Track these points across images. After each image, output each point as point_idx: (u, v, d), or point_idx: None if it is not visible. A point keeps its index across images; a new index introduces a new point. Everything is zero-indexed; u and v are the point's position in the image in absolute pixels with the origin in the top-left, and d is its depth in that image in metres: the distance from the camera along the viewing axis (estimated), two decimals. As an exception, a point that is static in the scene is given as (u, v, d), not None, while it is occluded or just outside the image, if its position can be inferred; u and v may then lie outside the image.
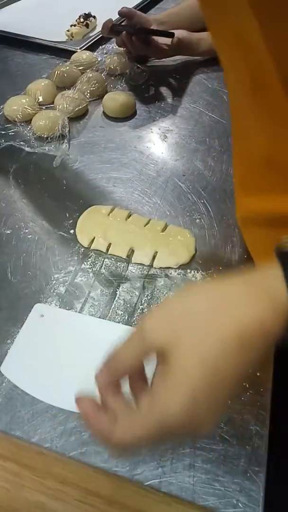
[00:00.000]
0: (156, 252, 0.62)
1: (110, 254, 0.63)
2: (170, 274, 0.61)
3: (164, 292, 0.58)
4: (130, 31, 0.95)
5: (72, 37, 1.07)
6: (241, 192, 0.52)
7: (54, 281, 0.60)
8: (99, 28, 1.02)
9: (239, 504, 0.42)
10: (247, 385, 0.49)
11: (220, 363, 0.30)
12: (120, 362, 0.33)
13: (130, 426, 0.31)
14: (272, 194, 0.46)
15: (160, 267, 0.61)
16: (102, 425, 0.32)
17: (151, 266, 0.61)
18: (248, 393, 0.49)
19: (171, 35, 0.95)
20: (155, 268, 0.61)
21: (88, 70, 0.96)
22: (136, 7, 1.14)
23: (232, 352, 0.30)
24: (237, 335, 0.30)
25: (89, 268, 0.62)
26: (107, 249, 0.63)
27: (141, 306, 0.57)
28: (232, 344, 0.30)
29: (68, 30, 1.08)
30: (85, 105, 0.88)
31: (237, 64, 0.41)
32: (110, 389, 0.34)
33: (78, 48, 1.03)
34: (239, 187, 0.53)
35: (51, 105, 0.89)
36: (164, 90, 0.97)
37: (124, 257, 0.63)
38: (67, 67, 0.96)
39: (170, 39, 0.96)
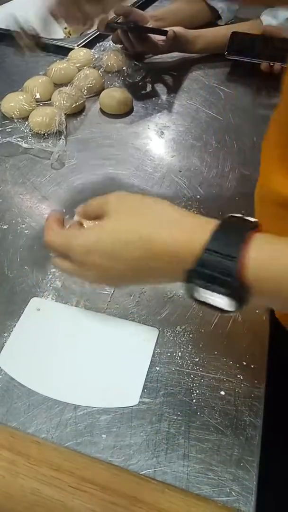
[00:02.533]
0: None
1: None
2: (166, 268, 0.61)
3: (161, 286, 0.59)
4: (124, 28, 0.95)
5: (70, 34, 1.08)
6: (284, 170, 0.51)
7: (51, 276, 0.60)
8: (96, 26, 1.02)
9: (232, 492, 0.42)
10: (242, 378, 0.50)
11: (123, 248, 0.39)
12: (90, 206, 0.45)
13: (55, 234, 0.44)
14: None
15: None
16: (48, 230, 0.45)
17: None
18: (242, 385, 0.49)
19: (165, 33, 0.95)
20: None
21: (85, 67, 0.96)
22: (133, 5, 1.14)
23: (138, 252, 0.38)
24: (149, 247, 0.37)
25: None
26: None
27: (137, 300, 0.57)
28: (141, 248, 0.38)
29: (65, 28, 1.08)
30: (82, 101, 0.89)
31: None
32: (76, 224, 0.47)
33: (76, 45, 1.04)
34: (281, 165, 0.52)
35: (48, 102, 0.89)
36: (161, 87, 0.97)
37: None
38: (64, 64, 0.96)
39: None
